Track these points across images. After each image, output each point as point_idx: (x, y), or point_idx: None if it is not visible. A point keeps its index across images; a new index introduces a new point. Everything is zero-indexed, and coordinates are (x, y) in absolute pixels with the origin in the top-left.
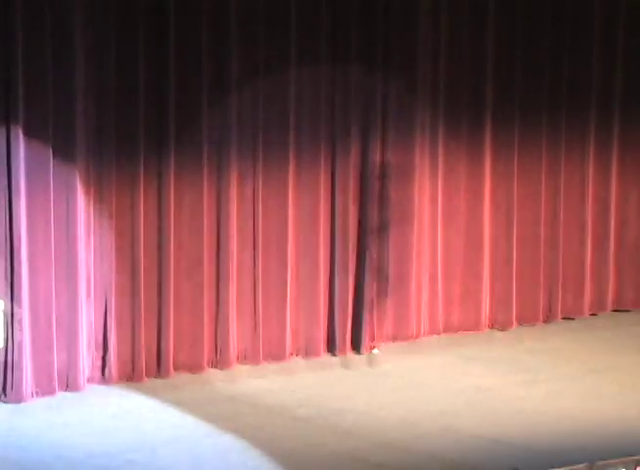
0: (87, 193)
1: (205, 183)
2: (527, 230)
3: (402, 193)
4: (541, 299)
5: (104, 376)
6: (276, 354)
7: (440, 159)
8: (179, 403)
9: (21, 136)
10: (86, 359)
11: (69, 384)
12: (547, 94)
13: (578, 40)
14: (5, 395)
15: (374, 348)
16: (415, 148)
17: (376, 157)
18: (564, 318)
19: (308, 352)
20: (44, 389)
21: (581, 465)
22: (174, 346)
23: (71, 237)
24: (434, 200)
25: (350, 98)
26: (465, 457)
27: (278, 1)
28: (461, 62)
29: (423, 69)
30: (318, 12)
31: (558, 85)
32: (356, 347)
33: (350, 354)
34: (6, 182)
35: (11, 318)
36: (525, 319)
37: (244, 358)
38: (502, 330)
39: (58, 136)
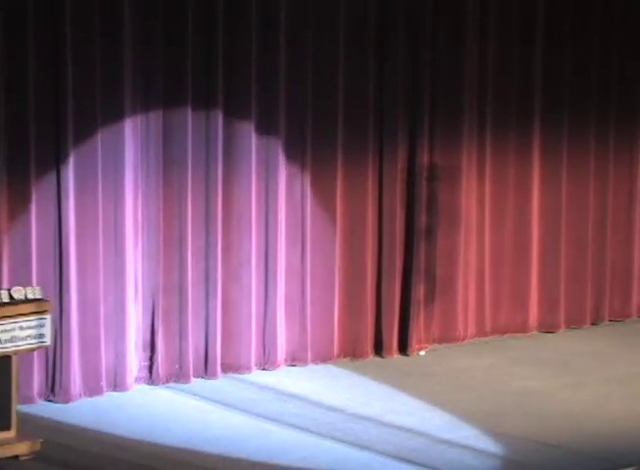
0: (135, 195)
1: (254, 184)
2: (576, 232)
3: (450, 195)
4: (589, 301)
5: (151, 376)
6: (324, 356)
7: (488, 161)
8: (226, 404)
9: (70, 140)
10: (134, 360)
11: (117, 384)
12: (596, 96)
13: (627, 41)
14: (54, 394)
15: (421, 350)
16: (463, 150)
17: (423, 159)
18: (611, 320)
19: (356, 354)
20: (92, 389)
21: (629, 468)
22: (221, 346)
23: (119, 238)
24: (481, 202)
25: (398, 100)
26: (511, 459)
27: (327, 4)
28: (509, 63)
29: (470, 70)
30: (366, 14)
31: (606, 87)
32: (403, 348)
33: (398, 356)
34: (55, 185)
35: (59, 319)
36: (573, 321)
37: (291, 360)
38: (550, 332)
39: (106, 140)
